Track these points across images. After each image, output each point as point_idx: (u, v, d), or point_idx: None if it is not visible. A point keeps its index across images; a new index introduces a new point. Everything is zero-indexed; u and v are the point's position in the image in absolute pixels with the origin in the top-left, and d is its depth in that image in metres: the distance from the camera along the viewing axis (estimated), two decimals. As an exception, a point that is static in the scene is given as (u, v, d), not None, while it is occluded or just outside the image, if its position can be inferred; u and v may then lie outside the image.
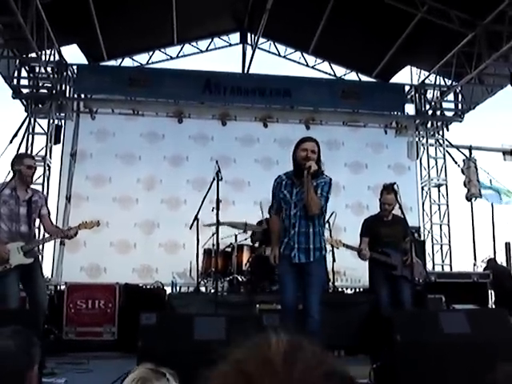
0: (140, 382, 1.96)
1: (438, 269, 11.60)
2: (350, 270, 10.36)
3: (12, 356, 2.06)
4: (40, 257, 6.24)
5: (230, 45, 12.88)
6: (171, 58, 12.54)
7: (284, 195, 5.14)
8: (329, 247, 8.17)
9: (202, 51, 12.74)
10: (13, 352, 2.07)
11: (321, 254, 5.12)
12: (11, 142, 10.51)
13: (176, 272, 9.94)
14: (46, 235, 6.27)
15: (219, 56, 13.06)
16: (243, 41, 12.66)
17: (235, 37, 12.86)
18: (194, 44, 12.65)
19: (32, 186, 6.21)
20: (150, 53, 12.36)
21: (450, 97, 12.15)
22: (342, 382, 0.89)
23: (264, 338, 0.91)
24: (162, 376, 2.01)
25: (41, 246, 7.63)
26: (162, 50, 12.46)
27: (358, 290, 10.54)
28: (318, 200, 4.98)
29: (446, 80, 11.74)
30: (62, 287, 8.55)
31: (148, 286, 9.31)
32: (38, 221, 6.16)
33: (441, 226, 12.23)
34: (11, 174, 5.87)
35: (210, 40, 12.71)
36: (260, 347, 0.89)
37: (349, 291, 10.60)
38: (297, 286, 5.05)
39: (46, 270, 9.59)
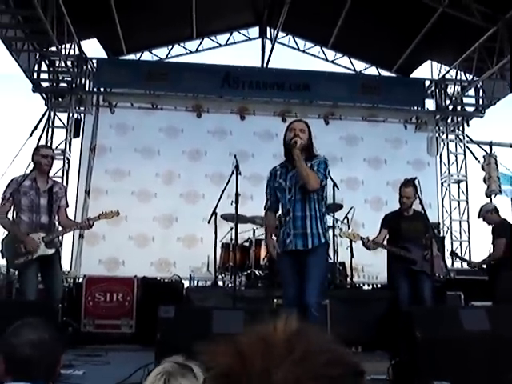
0: (165, 376, 1.90)
1: (457, 265, 11.49)
2: (367, 266, 10.31)
3: (50, 345, 2.19)
4: (60, 248, 6.23)
5: (249, 39, 12.88)
6: (190, 52, 12.57)
7: (279, 184, 4.82)
8: (347, 242, 8.21)
9: (221, 45, 12.76)
10: (48, 342, 2.19)
11: (320, 242, 4.67)
12: (31, 135, 10.59)
13: (194, 266, 9.96)
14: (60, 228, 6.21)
15: (238, 50, 13.07)
16: (262, 35, 12.64)
17: (254, 31, 12.86)
18: (213, 38, 12.67)
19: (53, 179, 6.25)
20: (169, 47, 12.41)
21: (471, 92, 12.02)
22: (346, 371, 0.84)
23: (272, 322, 0.88)
24: (189, 371, 1.92)
25: (61, 237, 7.66)
26: (181, 44, 12.50)
27: (375, 286, 10.49)
28: (314, 173, 4.62)
29: (467, 75, 11.62)
30: (81, 280, 8.60)
31: (166, 280, 9.33)
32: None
33: (460, 222, 12.12)
34: (31, 167, 5.92)
35: (229, 34, 12.72)
36: (265, 329, 0.87)
37: (366, 287, 10.56)
38: (299, 282, 4.63)
39: (65, 263, 9.67)
